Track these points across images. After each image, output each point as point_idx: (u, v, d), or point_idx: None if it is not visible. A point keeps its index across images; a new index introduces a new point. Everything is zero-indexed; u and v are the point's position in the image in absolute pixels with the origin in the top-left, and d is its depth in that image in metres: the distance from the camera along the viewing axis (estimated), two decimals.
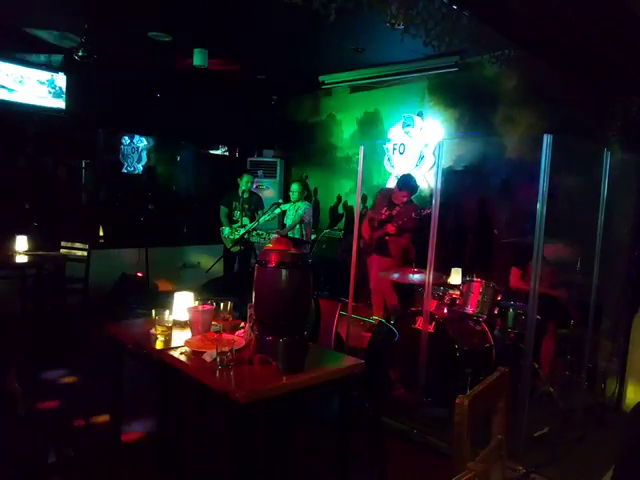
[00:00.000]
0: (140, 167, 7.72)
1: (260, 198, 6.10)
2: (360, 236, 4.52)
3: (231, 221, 5.95)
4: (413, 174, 6.20)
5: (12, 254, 4.96)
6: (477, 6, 2.54)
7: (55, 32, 5.39)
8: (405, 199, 4.87)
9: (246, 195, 5.87)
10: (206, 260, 6.49)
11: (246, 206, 5.88)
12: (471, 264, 4.84)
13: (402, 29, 2.48)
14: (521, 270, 4.09)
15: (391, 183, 6.29)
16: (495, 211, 5.49)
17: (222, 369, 2.13)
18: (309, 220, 5.99)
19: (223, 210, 6.01)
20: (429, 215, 3.69)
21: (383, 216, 4.89)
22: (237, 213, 5.94)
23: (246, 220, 5.85)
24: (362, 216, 5.37)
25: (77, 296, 5.44)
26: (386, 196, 5.07)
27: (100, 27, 5.10)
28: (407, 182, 4.98)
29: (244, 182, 5.83)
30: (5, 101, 5.65)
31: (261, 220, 5.44)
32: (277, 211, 5.82)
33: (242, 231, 5.45)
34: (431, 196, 3.91)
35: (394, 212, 4.79)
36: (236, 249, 5.53)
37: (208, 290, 6.34)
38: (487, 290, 3.80)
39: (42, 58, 5.95)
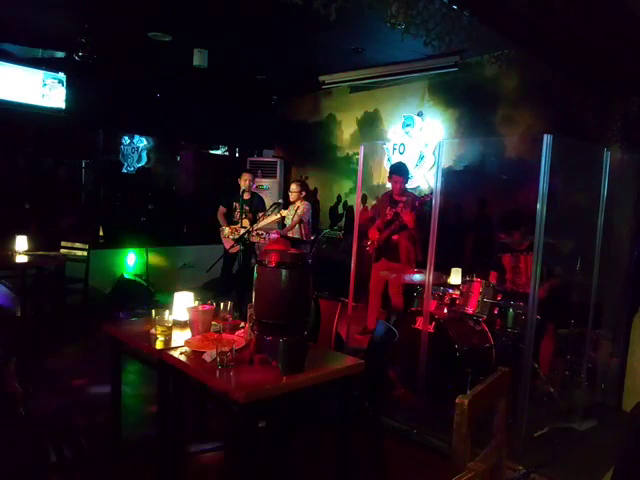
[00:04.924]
0: (140, 167, 7.73)
1: (261, 199, 6.07)
2: (361, 242, 4.51)
3: (230, 222, 5.92)
4: (413, 173, 6.23)
5: (12, 254, 4.96)
6: (477, 6, 2.54)
7: (55, 32, 5.40)
8: (399, 185, 4.88)
9: (246, 196, 5.85)
10: (206, 260, 6.49)
11: (246, 207, 5.84)
12: (471, 264, 4.85)
13: (403, 29, 2.48)
14: (496, 271, 4.16)
15: None
16: (495, 211, 5.50)
17: (222, 369, 2.13)
18: (309, 220, 5.98)
19: (220, 210, 5.98)
20: (430, 200, 3.77)
21: (389, 216, 4.89)
22: (236, 214, 5.91)
23: (245, 222, 5.81)
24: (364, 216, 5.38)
25: (77, 296, 5.44)
26: (387, 197, 5.06)
27: (100, 27, 5.10)
28: (399, 168, 5.00)
29: (242, 180, 5.81)
30: (5, 101, 5.65)
31: (261, 225, 5.42)
32: (276, 217, 5.78)
33: (242, 231, 5.44)
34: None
35: (398, 209, 4.79)
36: (234, 250, 5.52)
37: (208, 290, 6.35)
38: (487, 290, 3.79)
39: (42, 58, 5.95)
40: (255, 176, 6.48)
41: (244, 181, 5.81)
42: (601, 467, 2.89)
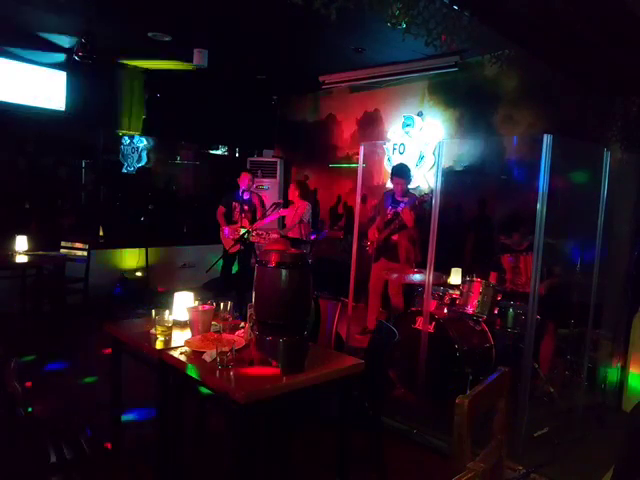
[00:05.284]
0: (140, 167, 7.72)
1: (261, 199, 6.10)
2: (361, 242, 4.52)
3: (230, 221, 5.95)
4: (413, 173, 6.23)
5: (12, 254, 4.96)
6: (477, 6, 2.54)
7: (55, 32, 5.40)
8: (401, 187, 4.89)
9: (246, 195, 5.87)
10: (206, 260, 6.51)
11: (246, 207, 5.87)
12: (471, 264, 4.85)
13: (403, 29, 2.48)
14: (496, 272, 4.20)
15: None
16: (495, 211, 5.51)
17: (222, 369, 2.13)
18: (309, 220, 6.00)
19: (220, 210, 6.01)
20: (430, 200, 3.85)
21: (389, 216, 4.90)
22: (235, 214, 5.95)
23: (245, 221, 5.85)
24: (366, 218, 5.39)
25: (77, 296, 5.44)
26: (388, 196, 5.07)
27: (100, 27, 5.10)
28: (400, 169, 5.02)
29: (241, 180, 5.85)
30: (5, 102, 5.65)
31: (260, 224, 5.46)
32: (275, 216, 5.78)
33: (243, 231, 5.46)
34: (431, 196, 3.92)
35: (399, 209, 4.80)
36: (234, 249, 5.54)
37: (208, 290, 6.35)
38: (487, 290, 3.80)
39: (42, 58, 5.95)
40: (255, 176, 6.49)
41: (243, 181, 5.84)
42: (601, 467, 2.89)
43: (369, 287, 5.19)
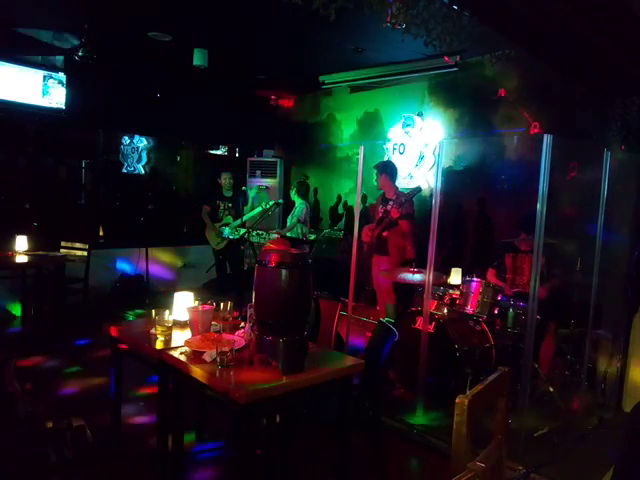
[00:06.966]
0: (140, 167, 7.72)
1: (245, 194, 6.20)
2: (360, 240, 4.53)
3: (215, 220, 6.08)
4: (413, 173, 6.25)
5: (12, 254, 4.96)
6: (477, 6, 2.54)
7: (55, 32, 5.41)
8: (377, 178, 4.94)
9: (228, 194, 6.03)
10: (206, 260, 6.51)
11: (229, 204, 6.01)
12: (471, 264, 4.85)
13: (403, 29, 2.48)
14: (494, 269, 4.23)
15: None
16: (495, 211, 5.51)
17: (222, 369, 2.13)
18: (305, 219, 6.05)
19: (204, 210, 6.13)
20: (413, 196, 4.28)
21: (380, 214, 4.94)
22: (221, 212, 6.07)
23: (229, 219, 5.98)
24: (362, 216, 5.40)
25: (77, 296, 5.44)
26: (380, 197, 5.11)
27: (100, 27, 5.10)
28: (379, 163, 5.06)
29: (222, 179, 6.04)
30: (5, 101, 5.65)
31: (246, 217, 5.57)
32: (259, 209, 5.83)
33: (242, 231, 5.48)
34: (431, 196, 3.92)
35: (388, 207, 4.84)
36: (221, 246, 5.69)
37: (208, 290, 6.36)
38: (487, 290, 3.80)
39: (42, 58, 5.95)
40: (255, 176, 6.56)
41: (224, 180, 6.00)
42: (601, 467, 2.89)
43: (374, 286, 5.22)
